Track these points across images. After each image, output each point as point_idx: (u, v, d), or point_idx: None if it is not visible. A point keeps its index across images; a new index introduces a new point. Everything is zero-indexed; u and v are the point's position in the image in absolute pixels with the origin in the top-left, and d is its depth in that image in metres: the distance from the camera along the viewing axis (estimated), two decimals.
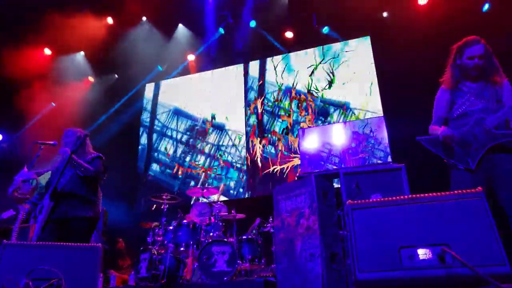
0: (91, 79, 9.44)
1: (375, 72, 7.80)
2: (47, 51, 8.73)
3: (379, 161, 4.89)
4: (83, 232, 3.39)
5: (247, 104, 8.74)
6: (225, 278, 4.60)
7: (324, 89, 8.17)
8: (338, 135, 5.44)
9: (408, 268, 1.62)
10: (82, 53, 9.21)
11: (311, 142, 5.57)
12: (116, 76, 9.74)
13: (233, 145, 8.55)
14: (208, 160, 8.67)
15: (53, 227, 3.33)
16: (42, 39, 8.07)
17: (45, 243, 2.45)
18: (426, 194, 1.74)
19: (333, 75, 8.19)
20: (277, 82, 8.65)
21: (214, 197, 6.32)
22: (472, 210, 1.61)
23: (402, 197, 1.76)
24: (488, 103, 2.81)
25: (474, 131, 2.76)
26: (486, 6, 7.02)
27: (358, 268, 1.70)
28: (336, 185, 4.79)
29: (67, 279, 2.23)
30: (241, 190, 8.12)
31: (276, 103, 8.51)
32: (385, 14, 7.83)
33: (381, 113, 7.36)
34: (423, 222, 1.68)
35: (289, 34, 8.58)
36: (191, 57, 9.32)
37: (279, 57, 8.79)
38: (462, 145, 2.80)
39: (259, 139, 8.37)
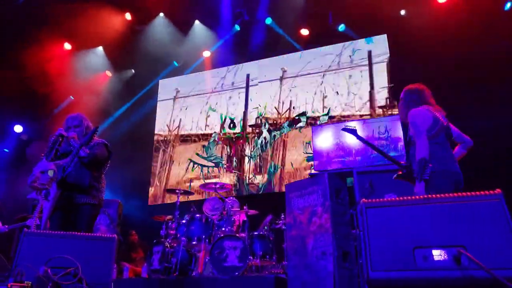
0: (109, 73, 9.56)
1: (388, 71, 7.72)
2: (67, 46, 8.87)
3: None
4: (89, 218, 3.45)
5: (260, 100, 8.74)
6: (236, 273, 4.63)
7: (337, 94, 8.11)
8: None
9: (422, 268, 1.62)
10: (101, 48, 9.33)
11: (324, 140, 5.57)
12: (133, 71, 9.84)
13: (247, 141, 8.57)
14: (223, 156, 8.70)
15: (59, 215, 3.39)
16: (62, 34, 8.21)
17: (64, 233, 2.50)
18: (442, 195, 1.73)
19: (348, 75, 8.13)
20: (292, 79, 8.62)
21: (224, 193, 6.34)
22: (490, 212, 1.60)
23: (417, 197, 1.76)
24: None
25: None
26: (508, 5, 6.88)
27: (371, 267, 1.70)
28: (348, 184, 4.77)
29: (83, 268, 2.27)
30: (253, 185, 8.14)
31: (291, 99, 8.48)
32: (403, 12, 7.73)
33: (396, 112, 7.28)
34: (439, 223, 1.67)
35: (304, 32, 8.54)
36: (206, 54, 9.36)
37: (294, 55, 8.75)
38: None
39: (273, 134, 8.37)
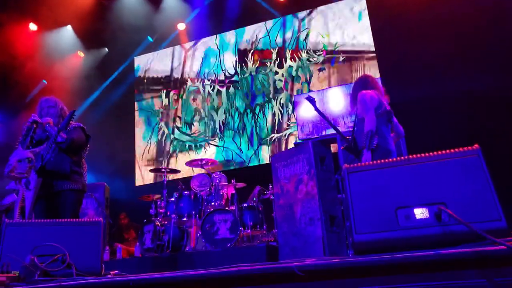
0: (81, 54, 9.25)
1: (371, 34, 7.65)
2: (33, 27, 8.48)
3: None
4: (74, 204, 3.40)
5: (242, 71, 8.63)
6: (228, 245, 4.70)
7: (320, 53, 8.04)
8: (335, 100, 5.43)
9: (405, 228, 1.64)
10: (69, 27, 8.96)
11: (306, 108, 5.55)
12: (107, 49, 9.54)
13: (230, 113, 8.51)
14: (208, 128, 8.65)
15: (43, 203, 3.34)
16: (26, 14, 7.82)
17: (48, 220, 2.47)
18: (422, 154, 1.74)
19: (329, 38, 8.04)
20: (271, 48, 8.50)
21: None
22: (469, 168, 1.62)
23: (398, 158, 1.77)
24: None
25: None
26: None
27: (356, 230, 1.72)
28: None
29: (71, 254, 2.26)
30: (239, 159, 8.15)
31: (272, 69, 8.39)
32: None
33: (378, 75, 7.28)
34: (420, 182, 1.69)
35: None
36: (181, 26, 9.11)
37: (273, 21, 8.58)
38: None
39: (257, 106, 8.33)
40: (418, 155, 1.76)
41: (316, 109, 3.94)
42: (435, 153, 1.73)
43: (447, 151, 1.72)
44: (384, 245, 1.63)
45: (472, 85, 5.92)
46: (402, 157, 1.77)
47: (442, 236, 1.54)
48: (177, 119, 8.99)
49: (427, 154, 1.74)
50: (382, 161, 1.80)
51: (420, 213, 1.62)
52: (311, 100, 3.77)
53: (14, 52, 7.61)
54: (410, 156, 1.77)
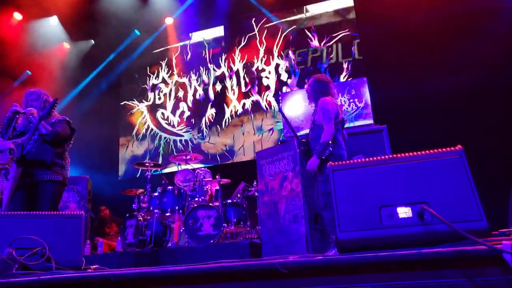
0: (66, 45, 9.07)
1: (357, 33, 7.71)
2: (17, 16, 8.29)
3: (361, 123, 4.94)
4: (53, 196, 3.33)
5: (229, 67, 8.60)
6: (211, 241, 4.68)
7: (306, 52, 8.06)
8: None
9: (388, 226, 1.66)
10: (55, 17, 8.77)
11: (293, 106, 5.57)
12: (93, 42, 9.38)
13: (215, 108, 8.48)
14: (193, 123, 8.60)
15: (22, 193, 3.28)
16: (10, 3, 7.63)
17: (28, 213, 2.42)
18: (406, 154, 1.76)
19: (316, 37, 8.06)
20: (258, 45, 8.49)
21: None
22: (451, 168, 1.64)
23: (382, 157, 1.78)
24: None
25: None
26: None
27: (339, 228, 1.73)
28: None
29: (51, 247, 2.22)
30: (224, 155, 8.13)
31: (259, 66, 8.39)
32: None
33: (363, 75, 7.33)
34: (403, 182, 1.70)
35: None
36: (169, 21, 9.02)
37: (261, 18, 8.57)
38: None
39: (242, 103, 8.31)
40: (402, 154, 1.77)
41: (280, 109, 4.10)
42: (418, 152, 1.75)
43: (431, 151, 1.74)
44: (368, 243, 1.65)
45: (456, 84, 6.00)
46: (387, 156, 1.78)
47: (425, 235, 1.56)
48: (163, 113, 8.92)
49: (411, 153, 1.75)
50: (367, 159, 1.81)
51: (404, 212, 1.64)
52: (277, 100, 3.82)
53: None
54: (394, 155, 1.78)
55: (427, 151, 1.71)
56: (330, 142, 3.37)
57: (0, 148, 2.94)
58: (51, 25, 8.75)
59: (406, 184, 1.69)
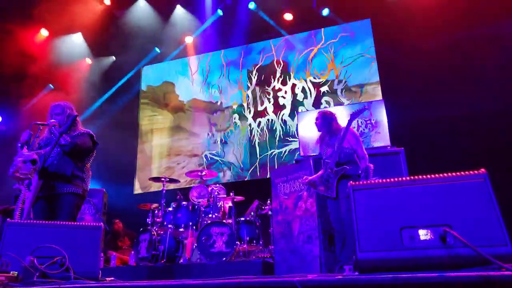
0: (88, 61, 9.33)
1: (375, 56, 7.75)
2: (44, 32, 8.60)
3: (378, 145, 4.92)
4: (71, 208, 3.38)
5: (246, 87, 8.70)
6: (224, 259, 4.66)
7: (324, 74, 8.13)
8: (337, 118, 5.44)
9: (409, 248, 1.65)
10: (79, 34, 9.06)
11: (309, 126, 5.58)
12: (114, 58, 9.62)
13: (233, 127, 8.55)
14: (208, 141, 8.67)
15: (42, 204, 3.33)
16: (38, 19, 7.94)
17: (48, 222, 2.46)
18: (428, 176, 1.76)
19: (333, 58, 8.13)
20: (276, 65, 8.59)
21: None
22: (474, 191, 1.63)
23: (403, 178, 1.78)
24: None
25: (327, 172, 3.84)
26: None
27: (359, 248, 1.72)
28: None
29: (70, 257, 2.24)
30: (239, 172, 8.15)
31: (275, 85, 8.47)
32: None
33: (380, 97, 7.34)
34: (425, 203, 1.69)
35: (288, 16, 8.49)
36: (189, 39, 9.22)
37: (279, 39, 8.70)
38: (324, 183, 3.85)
39: (258, 121, 8.37)
40: (424, 176, 1.77)
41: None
42: (441, 175, 1.74)
43: (454, 173, 1.73)
44: (387, 264, 1.63)
45: (480, 106, 5.97)
46: (408, 177, 1.79)
47: (447, 258, 1.55)
48: (180, 130, 9.02)
49: (433, 175, 1.75)
50: (388, 180, 1.81)
51: (425, 234, 1.63)
52: (359, 111, 3.95)
53: (25, 56, 7.69)
54: (416, 177, 1.78)
55: (450, 174, 1.71)
56: (370, 165, 3.66)
57: (24, 159, 3.02)
58: (75, 41, 9.03)
59: (428, 206, 1.68)
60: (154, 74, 9.60)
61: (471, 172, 1.67)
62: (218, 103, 8.84)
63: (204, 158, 8.55)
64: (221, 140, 8.53)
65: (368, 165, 3.66)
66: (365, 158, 3.73)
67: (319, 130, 4.13)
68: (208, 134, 8.70)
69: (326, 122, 4.04)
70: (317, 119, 4.14)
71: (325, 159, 3.91)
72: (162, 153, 8.98)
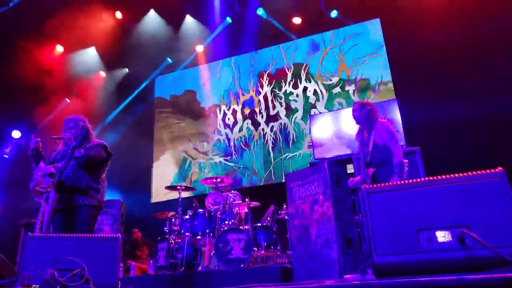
0: (102, 74, 9.49)
1: (386, 56, 7.69)
2: (59, 48, 8.81)
3: None
4: (88, 219, 3.42)
5: (257, 92, 8.72)
6: (242, 265, 4.66)
7: (335, 75, 8.10)
8: (349, 120, 5.41)
9: (427, 250, 1.62)
10: (93, 48, 9.24)
11: (322, 128, 5.56)
12: (127, 70, 9.77)
13: (246, 132, 8.57)
14: (223, 147, 8.70)
15: (60, 217, 3.39)
16: (54, 36, 8.14)
17: (68, 235, 2.50)
18: (444, 176, 1.73)
19: (344, 60, 8.10)
20: (286, 69, 8.60)
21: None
22: (492, 191, 1.60)
23: (419, 179, 1.76)
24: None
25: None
26: None
27: (376, 251, 1.70)
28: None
29: (89, 269, 2.28)
30: (254, 177, 8.15)
31: (287, 89, 8.47)
32: None
33: (393, 97, 7.27)
34: (441, 204, 1.67)
35: (297, 20, 8.49)
36: (199, 48, 9.31)
37: (288, 43, 8.71)
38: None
39: (270, 126, 8.37)
40: (440, 176, 1.74)
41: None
42: (457, 175, 1.72)
43: (470, 173, 1.70)
44: (405, 268, 1.61)
45: (496, 104, 5.86)
46: (423, 178, 1.76)
47: (466, 260, 1.52)
48: (193, 137, 9.08)
49: (449, 175, 1.72)
50: (403, 182, 1.79)
51: (443, 236, 1.60)
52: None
53: (42, 72, 7.89)
54: (432, 178, 1.76)
55: (466, 173, 1.68)
56: (405, 161, 3.45)
57: (43, 173, 3.08)
58: (89, 56, 9.21)
59: (445, 207, 1.65)
60: (175, 83, 9.67)
61: (488, 171, 1.64)
62: (231, 110, 8.87)
63: (219, 165, 8.58)
64: (234, 146, 8.56)
65: (402, 160, 3.44)
66: (398, 154, 3.47)
67: (357, 123, 3.91)
68: (224, 141, 8.73)
69: (363, 113, 3.79)
70: (354, 110, 3.91)
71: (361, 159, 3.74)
72: (184, 160, 9.00)
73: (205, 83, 9.35)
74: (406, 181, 1.81)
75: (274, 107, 8.47)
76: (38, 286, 2.04)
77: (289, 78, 8.51)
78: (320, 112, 7.65)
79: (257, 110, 8.61)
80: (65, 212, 3.41)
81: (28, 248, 2.30)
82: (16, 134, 8.63)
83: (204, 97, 9.26)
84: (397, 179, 3.35)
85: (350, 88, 7.89)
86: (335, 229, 4.12)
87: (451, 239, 1.58)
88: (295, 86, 8.41)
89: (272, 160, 8.10)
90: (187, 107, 9.40)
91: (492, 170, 1.64)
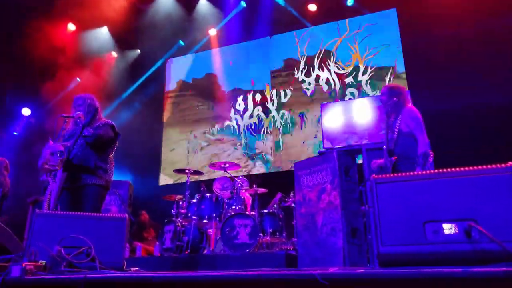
0: (114, 54, 9.50)
1: (401, 47, 7.56)
2: (71, 27, 8.80)
3: None
4: (95, 199, 3.45)
5: (269, 79, 8.66)
6: (247, 250, 4.69)
7: (348, 65, 8.00)
8: (361, 111, 5.36)
9: (433, 242, 1.61)
10: (105, 28, 9.22)
11: (333, 117, 5.51)
12: (139, 51, 9.76)
13: (256, 119, 8.55)
14: (232, 132, 8.70)
15: (67, 196, 3.42)
16: (66, 14, 8.14)
17: (75, 213, 2.53)
18: (453, 169, 1.71)
19: (358, 49, 7.99)
20: (299, 57, 8.51)
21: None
22: (501, 185, 1.57)
23: (427, 171, 1.74)
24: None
25: None
26: None
27: (382, 242, 1.70)
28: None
29: (95, 248, 2.31)
30: (262, 164, 8.16)
31: (299, 77, 8.40)
32: None
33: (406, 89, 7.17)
34: (449, 197, 1.65)
35: (312, 7, 8.37)
36: (212, 32, 9.24)
37: (302, 30, 8.60)
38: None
39: (281, 113, 8.33)
40: (449, 169, 1.72)
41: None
42: (466, 168, 1.69)
43: (479, 167, 1.68)
44: (410, 258, 1.60)
45: (502, 99, 5.75)
46: (432, 171, 1.74)
47: (472, 253, 1.50)
48: (204, 122, 9.09)
49: (458, 169, 1.70)
50: (411, 173, 1.77)
51: (449, 228, 1.59)
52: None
53: (52, 50, 7.90)
54: (440, 170, 1.74)
55: (475, 167, 1.65)
56: (430, 152, 3.29)
57: (51, 150, 3.11)
58: (102, 35, 9.20)
59: (453, 200, 1.63)
60: (192, 66, 9.60)
61: (497, 165, 1.61)
62: (241, 96, 8.83)
63: (228, 150, 8.59)
64: (244, 132, 8.55)
65: (428, 151, 3.26)
66: (424, 142, 3.31)
67: (384, 107, 3.76)
68: (233, 127, 8.72)
69: (392, 97, 3.63)
70: (383, 94, 3.78)
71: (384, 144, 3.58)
72: (194, 143, 9.02)
73: (217, 68, 9.29)
74: (415, 173, 1.79)
75: (285, 94, 8.42)
76: (44, 262, 2.07)
77: (302, 66, 8.43)
78: (333, 101, 7.59)
79: (268, 97, 8.57)
80: (73, 191, 3.44)
81: (35, 225, 2.33)
82: (26, 111, 8.71)
83: (217, 82, 9.22)
84: (420, 170, 3.16)
85: (363, 79, 7.79)
86: (341, 218, 4.11)
87: (457, 231, 1.57)
88: (308, 74, 8.33)
89: (282, 148, 8.09)
90: (199, 90, 9.36)
91: (502, 165, 1.61)
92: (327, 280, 1.54)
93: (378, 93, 7.37)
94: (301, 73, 8.39)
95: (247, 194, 5.69)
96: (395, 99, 3.62)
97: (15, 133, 8.63)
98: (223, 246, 4.84)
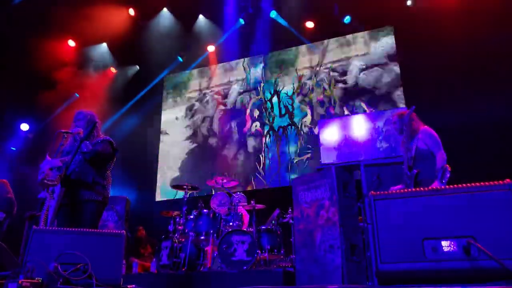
0: (113, 70, 9.56)
1: (398, 63, 7.65)
2: (71, 43, 8.88)
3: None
4: (92, 215, 3.42)
5: (267, 95, 8.72)
6: (245, 267, 4.65)
7: (345, 82, 8.07)
8: (359, 127, 5.40)
9: (432, 260, 1.61)
10: (104, 44, 9.31)
11: (330, 133, 5.54)
12: (138, 67, 9.83)
13: (253, 135, 8.57)
14: (231, 149, 8.71)
15: (65, 212, 3.39)
16: (66, 31, 8.22)
17: (73, 229, 2.52)
18: (451, 186, 1.71)
19: (355, 66, 8.07)
20: (296, 73, 8.58)
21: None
22: (499, 202, 1.58)
23: (426, 188, 1.74)
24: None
25: None
26: None
27: (380, 259, 1.69)
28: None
29: (92, 264, 2.28)
30: (260, 180, 8.14)
31: (296, 93, 8.46)
32: (409, 3, 7.64)
33: (403, 105, 7.22)
34: (448, 214, 1.65)
35: (309, 24, 8.48)
36: (211, 48, 9.33)
37: (300, 47, 8.70)
38: None
39: (279, 130, 8.36)
40: (447, 186, 1.73)
41: None
42: (464, 185, 1.70)
43: (477, 184, 1.68)
44: (409, 276, 1.60)
45: (508, 113, 5.80)
46: (430, 187, 1.75)
47: (471, 271, 1.50)
48: (201, 137, 9.11)
49: (456, 185, 1.71)
50: (409, 190, 1.77)
51: (448, 245, 1.58)
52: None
53: (52, 66, 7.96)
54: (438, 187, 1.74)
55: (473, 184, 1.66)
56: (447, 166, 3.52)
57: (50, 166, 3.10)
58: (101, 51, 9.28)
59: (451, 216, 1.64)
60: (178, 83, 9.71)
61: (496, 182, 1.62)
62: (240, 111, 8.87)
63: (227, 163, 8.58)
64: (242, 147, 8.55)
65: (445, 165, 3.52)
66: (441, 159, 3.58)
67: (399, 135, 4.01)
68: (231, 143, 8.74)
69: (404, 123, 3.87)
70: (394, 122, 4.02)
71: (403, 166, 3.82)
72: (192, 157, 9.03)
73: (215, 84, 9.35)
74: (414, 189, 1.79)
75: (283, 110, 8.46)
76: (41, 279, 2.04)
77: (299, 82, 8.49)
78: (331, 118, 7.62)
79: (266, 113, 8.61)
80: (71, 207, 3.41)
81: (32, 240, 2.31)
82: (24, 127, 8.71)
83: (214, 98, 9.27)
84: (439, 184, 3.35)
85: (360, 95, 7.85)
86: (339, 235, 4.09)
87: (456, 249, 1.57)
88: (305, 91, 8.39)
89: (279, 164, 8.09)
90: (196, 106, 9.41)
91: (500, 182, 1.62)
92: None
93: (377, 109, 7.44)
94: (299, 89, 8.47)
95: (245, 210, 5.66)
96: (407, 123, 3.85)
97: (12, 148, 8.61)
98: (220, 263, 4.79)
